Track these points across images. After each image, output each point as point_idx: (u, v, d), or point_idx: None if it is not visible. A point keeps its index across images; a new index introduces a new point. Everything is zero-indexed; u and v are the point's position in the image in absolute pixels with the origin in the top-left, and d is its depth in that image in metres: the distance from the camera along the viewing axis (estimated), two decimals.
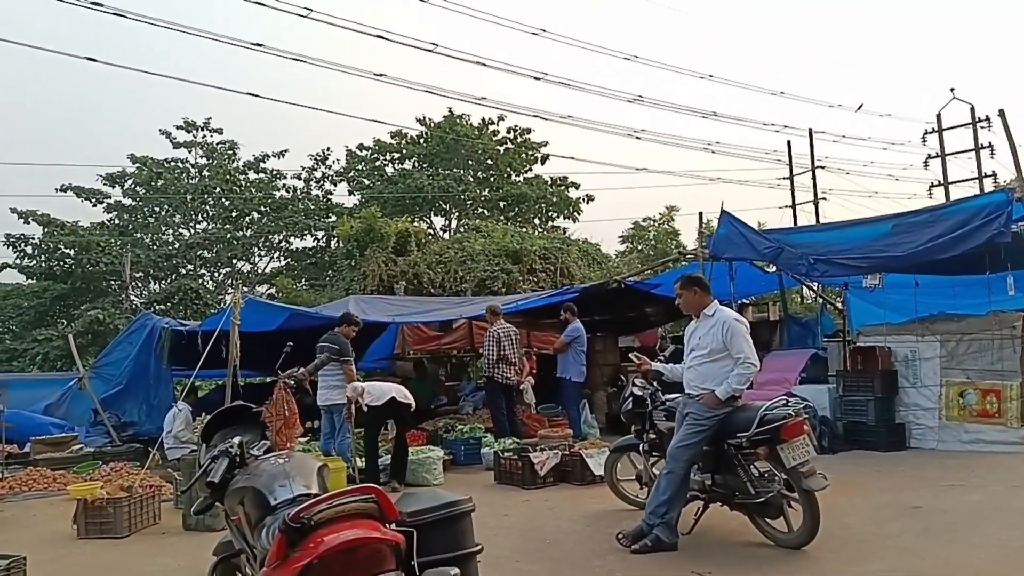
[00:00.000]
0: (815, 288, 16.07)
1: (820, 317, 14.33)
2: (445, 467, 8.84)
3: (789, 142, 24.61)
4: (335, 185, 30.25)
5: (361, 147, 30.12)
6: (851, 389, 9.86)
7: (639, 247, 30.52)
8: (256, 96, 13.78)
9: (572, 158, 43.86)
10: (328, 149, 30.02)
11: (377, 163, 30.19)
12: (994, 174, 23.77)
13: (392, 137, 29.69)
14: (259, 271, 30.18)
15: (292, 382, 7.99)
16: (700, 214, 11.95)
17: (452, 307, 13.53)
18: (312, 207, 29.41)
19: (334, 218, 28.04)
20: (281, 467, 3.13)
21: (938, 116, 24.69)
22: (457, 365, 16.41)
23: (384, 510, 2.74)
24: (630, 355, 6.51)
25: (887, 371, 9.75)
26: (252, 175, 29.19)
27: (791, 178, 24.79)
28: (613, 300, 13.12)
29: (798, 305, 20.27)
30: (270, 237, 29.33)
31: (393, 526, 2.79)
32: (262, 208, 29.01)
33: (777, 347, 12.75)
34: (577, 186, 29.27)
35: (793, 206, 24.77)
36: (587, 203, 29.44)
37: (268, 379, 11.98)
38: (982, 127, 23.69)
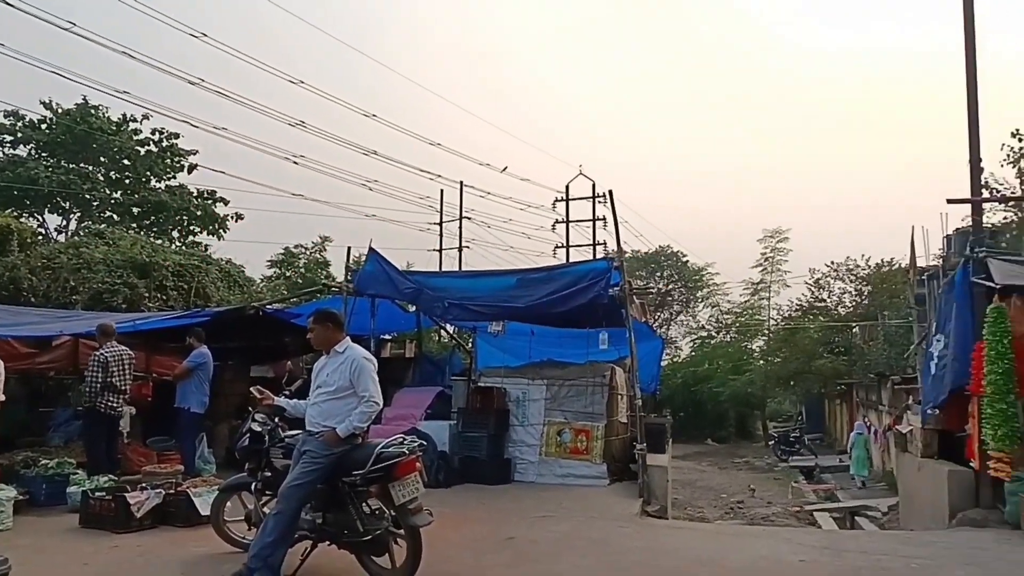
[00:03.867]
0: (449, 330, 17.09)
1: (451, 357, 15.25)
2: (18, 508, 7.50)
3: (442, 191, 26.26)
4: None
5: None
6: (469, 426, 10.57)
7: (287, 273, 29.67)
8: None
9: (223, 172, 41.50)
10: None
11: None
12: (605, 243, 27.87)
13: (6, 117, 25.20)
14: None
15: None
16: (348, 248, 12.06)
17: (54, 321, 11.65)
18: None
19: None
20: None
21: (567, 187, 28.34)
22: (55, 388, 14.14)
23: None
24: (251, 389, 6.15)
25: (501, 410, 10.67)
26: None
27: (440, 224, 26.31)
28: (251, 327, 12.46)
29: (436, 344, 21.34)
30: None
31: None
32: None
33: (409, 383, 13.21)
34: (226, 202, 27.42)
35: (440, 251, 26.26)
36: (236, 221, 27.72)
37: None
38: (600, 202, 27.69)
